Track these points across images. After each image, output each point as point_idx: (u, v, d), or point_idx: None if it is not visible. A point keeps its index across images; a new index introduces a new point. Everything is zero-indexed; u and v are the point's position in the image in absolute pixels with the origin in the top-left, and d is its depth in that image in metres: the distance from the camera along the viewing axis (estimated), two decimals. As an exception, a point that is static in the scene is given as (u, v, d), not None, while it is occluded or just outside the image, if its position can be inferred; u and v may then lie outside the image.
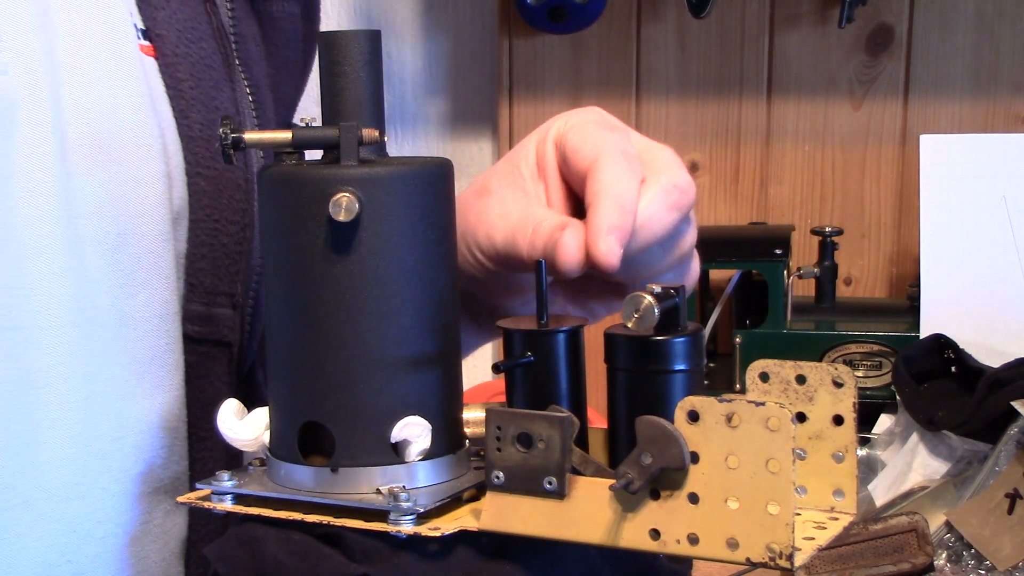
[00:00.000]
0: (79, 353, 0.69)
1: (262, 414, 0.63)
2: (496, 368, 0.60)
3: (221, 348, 0.75)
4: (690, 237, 0.69)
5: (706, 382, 0.60)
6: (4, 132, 0.66)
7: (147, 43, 0.74)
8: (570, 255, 0.62)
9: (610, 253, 0.61)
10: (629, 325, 0.57)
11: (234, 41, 0.81)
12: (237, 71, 0.81)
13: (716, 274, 1.47)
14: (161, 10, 0.75)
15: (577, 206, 0.67)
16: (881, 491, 1.16)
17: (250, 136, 0.61)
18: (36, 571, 0.68)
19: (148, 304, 0.72)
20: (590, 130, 0.66)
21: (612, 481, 0.54)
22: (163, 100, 0.74)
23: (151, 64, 0.74)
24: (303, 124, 0.61)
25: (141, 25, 0.75)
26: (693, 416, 0.53)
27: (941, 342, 1.23)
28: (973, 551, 1.03)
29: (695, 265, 0.71)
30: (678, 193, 0.65)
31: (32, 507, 0.67)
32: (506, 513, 0.57)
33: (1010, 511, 1.03)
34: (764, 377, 0.61)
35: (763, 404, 0.51)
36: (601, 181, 0.63)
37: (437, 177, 0.61)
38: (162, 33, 0.75)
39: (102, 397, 0.69)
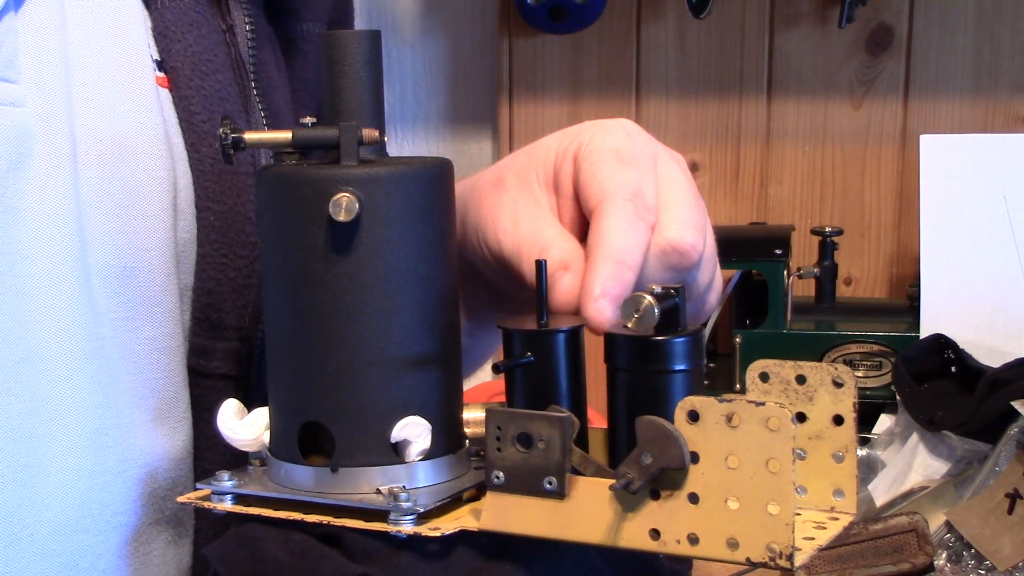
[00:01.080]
0: (89, 385, 0.68)
1: (262, 414, 0.63)
2: (496, 368, 0.60)
3: (227, 382, 0.75)
4: (699, 283, 0.67)
5: (706, 382, 0.60)
6: (20, 163, 0.65)
7: (162, 75, 0.74)
8: (564, 300, 0.63)
9: (599, 316, 0.61)
10: (629, 325, 0.57)
11: (253, 70, 0.81)
12: (254, 102, 0.80)
13: (716, 274, 1.46)
14: (177, 42, 0.75)
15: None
16: (881, 491, 1.16)
17: (250, 136, 0.61)
18: None
19: (151, 338, 0.72)
20: (605, 163, 0.65)
21: (612, 481, 0.54)
22: (176, 132, 0.74)
23: (165, 96, 0.74)
24: (304, 124, 0.61)
25: (156, 56, 0.74)
26: (693, 416, 0.53)
27: (941, 342, 1.23)
28: (973, 551, 1.03)
29: (712, 299, 0.70)
30: (677, 256, 0.64)
31: (36, 540, 0.67)
32: (506, 513, 0.57)
33: (1010, 511, 1.03)
34: (764, 377, 0.61)
35: (763, 404, 0.51)
36: (602, 232, 0.63)
37: (437, 177, 0.61)
38: (176, 65, 0.74)
39: (110, 430, 0.69)
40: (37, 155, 0.66)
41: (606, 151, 0.66)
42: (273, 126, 0.82)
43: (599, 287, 0.61)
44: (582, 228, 0.67)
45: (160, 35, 0.74)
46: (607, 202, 0.63)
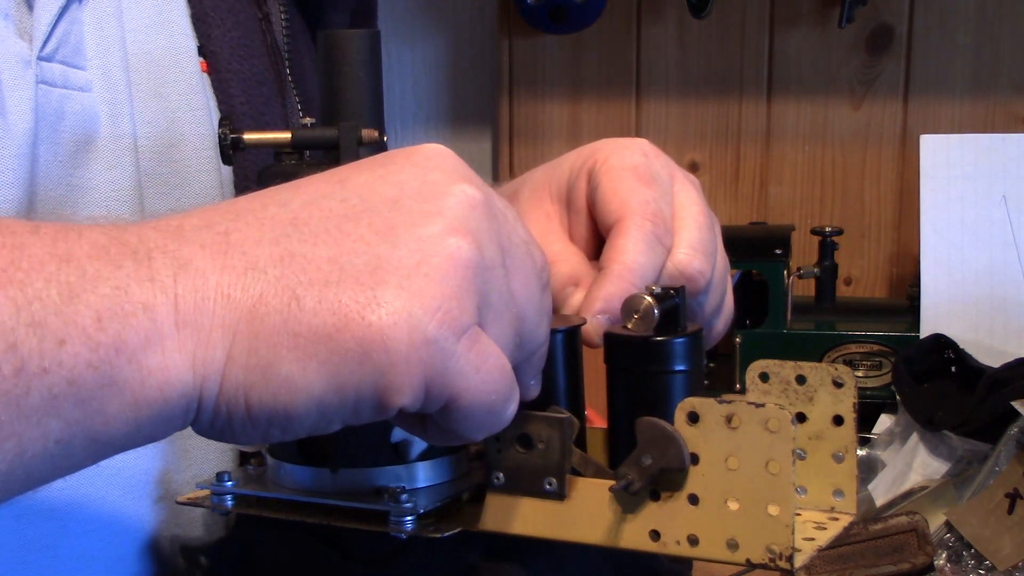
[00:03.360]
0: None
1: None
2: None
3: None
4: (705, 310, 0.67)
5: (706, 382, 0.60)
6: (87, 144, 0.68)
7: (201, 59, 0.77)
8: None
9: (593, 332, 0.61)
10: (629, 325, 0.57)
11: (287, 57, 0.83)
12: (289, 87, 0.82)
13: (716, 274, 1.46)
14: (216, 28, 0.77)
15: (601, 239, 0.67)
16: (881, 491, 1.16)
17: (250, 136, 0.61)
18: None
19: None
20: (625, 180, 0.65)
21: (612, 482, 0.54)
22: (216, 115, 0.76)
23: (205, 80, 0.77)
24: (304, 124, 0.62)
25: (196, 42, 0.77)
26: (693, 417, 0.53)
27: (941, 342, 1.23)
28: (973, 551, 1.03)
29: (719, 325, 0.70)
30: (683, 281, 0.64)
31: (106, 502, 0.69)
32: (506, 513, 0.57)
33: (1010, 511, 1.03)
34: (764, 377, 0.61)
35: (763, 405, 0.51)
36: (619, 249, 0.63)
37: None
38: (215, 50, 0.77)
39: None
40: (102, 137, 0.69)
41: (625, 169, 0.66)
42: (307, 112, 0.84)
43: (602, 303, 0.61)
44: (591, 244, 0.67)
45: (199, 21, 0.77)
46: (628, 219, 0.63)
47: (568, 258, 0.66)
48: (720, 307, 0.69)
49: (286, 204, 0.48)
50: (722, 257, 0.68)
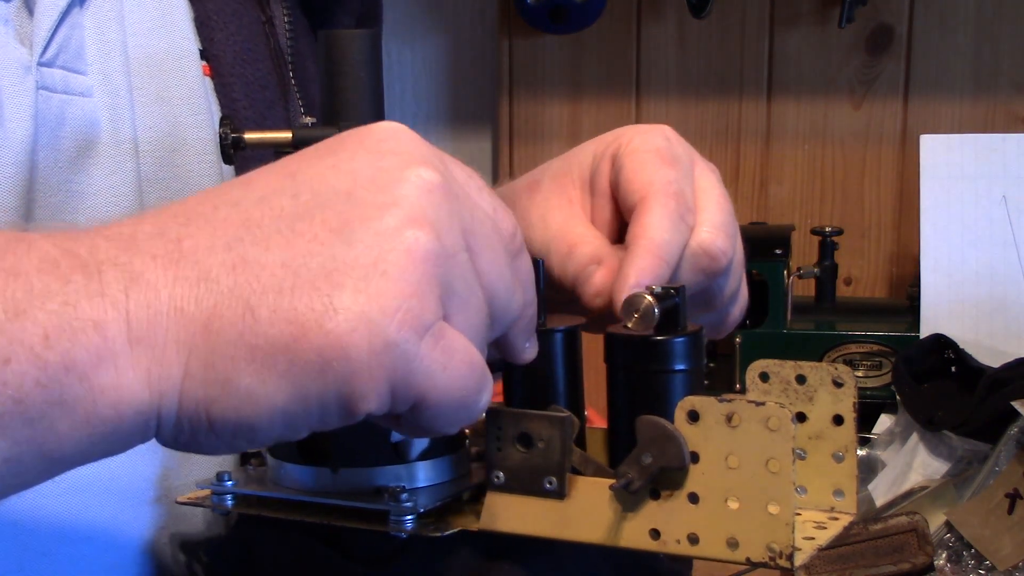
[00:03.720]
0: None
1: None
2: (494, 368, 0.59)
3: None
4: (725, 293, 0.67)
5: (706, 382, 0.60)
6: (87, 150, 0.68)
7: (203, 63, 0.76)
8: (597, 292, 0.64)
9: None
10: (629, 325, 0.57)
11: (291, 61, 0.83)
12: (292, 91, 0.82)
13: (716, 274, 1.46)
14: (219, 31, 0.77)
15: (624, 224, 0.67)
16: (881, 491, 1.16)
17: (250, 136, 0.61)
18: None
19: None
20: (647, 162, 0.65)
21: (612, 481, 0.54)
22: (218, 119, 0.76)
23: (208, 84, 0.76)
24: (304, 124, 0.62)
25: (199, 45, 0.76)
26: (693, 416, 0.53)
27: (941, 342, 1.23)
28: (973, 551, 1.03)
29: (735, 311, 0.70)
30: (707, 260, 0.64)
31: (106, 507, 0.69)
32: (506, 513, 0.57)
33: (1010, 511, 1.03)
34: (764, 377, 0.61)
35: (763, 404, 0.51)
36: (644, 225, 0.63)
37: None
38: (218, 54, 0.77)
39: None
40: (103, 143, 0.68)
41: (648, 151, 0.66)
42: (310, 116, 0.83)
43: (635, 277, 0.61)
44: (614, 228, 0.67)
45: (202, 25, 0.77)
46: (651, 198, 0.63)
47: (591, 240, 0.66)
48: (737, 293, 0.69)
49: (237, 204, 0.47)
50: (740, 243, 0.68)
